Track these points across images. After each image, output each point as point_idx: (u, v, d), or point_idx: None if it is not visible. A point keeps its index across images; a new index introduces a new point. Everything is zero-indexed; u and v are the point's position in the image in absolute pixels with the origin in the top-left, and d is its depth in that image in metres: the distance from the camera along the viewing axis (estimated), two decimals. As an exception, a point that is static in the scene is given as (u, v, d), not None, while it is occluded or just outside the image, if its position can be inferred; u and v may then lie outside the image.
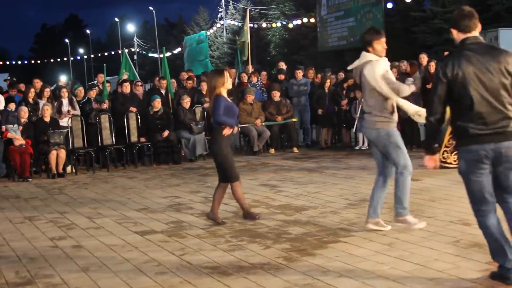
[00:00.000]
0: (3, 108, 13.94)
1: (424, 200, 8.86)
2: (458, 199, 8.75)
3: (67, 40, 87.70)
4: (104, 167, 14.58)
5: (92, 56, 75.84)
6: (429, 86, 14.65)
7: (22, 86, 16.11)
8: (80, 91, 15.67)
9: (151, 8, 70.97)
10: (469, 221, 7.35)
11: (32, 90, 14.42)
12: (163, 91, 16.06)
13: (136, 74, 19.19)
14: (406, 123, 15.01)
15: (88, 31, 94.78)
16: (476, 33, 5.21)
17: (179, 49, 49.16)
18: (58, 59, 74.47)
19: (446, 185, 10.00)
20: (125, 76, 19.21)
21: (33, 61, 76.88)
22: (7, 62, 70.60)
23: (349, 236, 7.04)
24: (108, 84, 16.47)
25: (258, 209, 8.77)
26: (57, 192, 11.64)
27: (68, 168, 14.06)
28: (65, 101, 14.59)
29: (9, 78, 17.46)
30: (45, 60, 75.19)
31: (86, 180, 13.09)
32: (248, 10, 24.88)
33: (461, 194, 8.96)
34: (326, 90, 16.32)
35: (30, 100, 14.27)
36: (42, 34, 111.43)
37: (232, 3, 63.95)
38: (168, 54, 50.46)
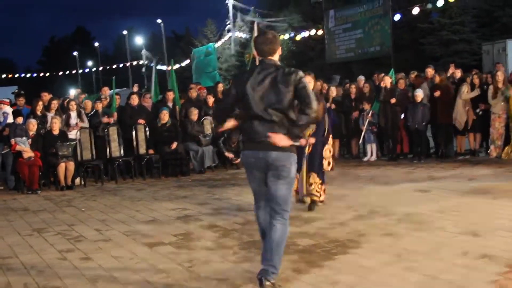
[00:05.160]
0: (12, 121, 13.97)
1: (432, 211, 8.81)
2: (468, 211, 8.74)
3: (75, 53, 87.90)
4: (112, 179, 14.59)
5: (101, 68, 76.04)
6: (436, 94, 14.71)
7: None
8: (88, 103, 15.71)
9: (159, 20, 71.19)
10: (478, 232, 7.35)
11: (40, 103, 14.47)
12: (170, 104, 16.08)
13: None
14: (414, 134, 15.05)
15: (96, 44, 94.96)
16: None
17: (187, 61, 49.18)
18: (67, 72, 74.64)
19: (455, 196, 9.96)
20: (135, 88, 19.27)
21: (41, 74, 77.03)
22: (16, 75, 70.77)
23: (357, 248, 7.01)
24: (117, 97, 16.51)
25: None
26: (66, 204, 11.65)
27: (77, 180, 14.06)
28: (73, 114, 14.65)
29: (16, 90, 17.51)
30: (54, 73, 75.36)
31: (95, 192, 13.11)
32: (256, 22, 24.84)
33: (471, 206, 9.00)
34: (330, 103, 16.16)
35: (38, 112, 14.31)
36: (50, 47, 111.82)
37: (240, 15, 64.01)
38: (176, 66, 50.60)
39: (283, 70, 5.56)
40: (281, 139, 5.43)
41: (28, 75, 74.26)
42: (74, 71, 78.69)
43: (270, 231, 5.58)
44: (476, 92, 14.70)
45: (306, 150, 9.19)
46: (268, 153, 5.48)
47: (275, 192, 5.57)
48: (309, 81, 8.88)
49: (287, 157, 5.53)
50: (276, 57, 5.67)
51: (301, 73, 5.55)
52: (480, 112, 14.79)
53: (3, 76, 62.28)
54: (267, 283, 5.40)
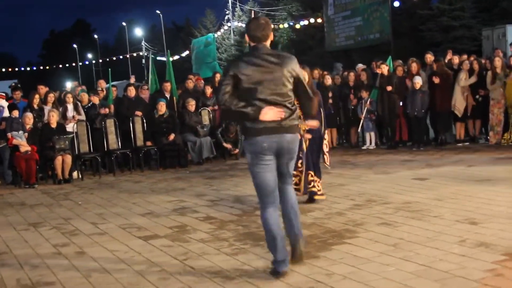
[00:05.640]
0: (7, 115, 13.90)
1: (430, 199, 8.74)
2: (466, 198, 8.65)
3: (75, 46, 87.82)
4: (110, 171, 14.54)
5: (101, 61, 75.97)
6: (437, 81, 14.61)
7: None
8: (84, 96, 15.64)
9: (158, 11, 71.03)
10: (476, 220, 7.28)
11: (37, 96, 14.41)
12: (167, 95, 16.01)
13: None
14: (413, 121, 14.97)
15: (96, 36, 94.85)
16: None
17: (187, 52, 49.08)
18: (67, 65, 74.59)
19: (453, 183, 9.88)
20: (132, 80, 19.16)
21: (41, 67, 77.01)
22: (16, 69, 70.74)
23: (354, 238, 6.94)
24: (114, 89, 16.41)
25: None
26: (63, 198, 11.60)
27: (74, 174, 14.01)
28: (70, 107, 14.58)
29: (13, 84, 17.43)
30: (54, 66, 75.31)
31: (92, 185, 13.05)
32: (253, 11, 24.76)
33: (469, 193, 8.92)
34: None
35: (35, 106, 14.25)
36: (51, 40, 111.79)
37: (239, 4, 63.89)
38: (176, 57, 50.51)
39: (284, 55, 5.69)
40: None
41: (28, 68, 74.29)
42: (74, 64, 78.57)
43: (286, 195, 5.79)
44: (474, 79, 14.59)
45: (304, 147, 9.00)
46: (284, 136, 5.56)
47: (288, 169, 5.77)
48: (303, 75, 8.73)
49: (297, 139, 5.76)
50: (268, 43, 5.69)
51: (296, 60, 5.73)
52: (480, 98, 14.69)
53: (3, 70, 62.21)
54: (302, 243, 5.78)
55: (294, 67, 5.63)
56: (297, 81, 5.69)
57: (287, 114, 5.54)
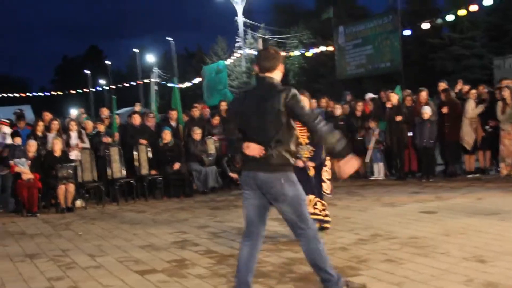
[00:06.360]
0: (10, 142, 13.77)
1: (437, 234, 8.46)
2: (474, 233, 8.37)
3: (87, 71, 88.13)
4: (114, 200, 14.33)
5: (113, 87, 76.08)
6: (445, 111, 14.39)
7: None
8: (89, 123, 15.50)
9: (168, 38, 71.22)
10: (484, 257, 6.99)
11: (41, 123, 14.30)
12: (173, 123, 15.85)
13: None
14: (422, 152, 14.72)
15: (108, 62, 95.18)
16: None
17: (198, 79, 49.08)
18: (79, 91, 74.70)
19: (462, 217, 9.61)
20: (137, 108, 19.07)
21: (54, 93, 77.17)
22: (29, 94, 70.94)
23: (356, 276, 6.67)
24: (117, 116, 16.24)
25: (265, 245, 8.36)
26: (63, 227, 11.39)
27: (78, 202, 13.82)
28: (73, 134, 14.42)
29: (18, 111, 17.31)
30: (66, 92, 75.46)
31: (95, 215, 12.85)
32: (260, 39, 24.63)
33: (478, 228, 8.63)
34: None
35: (39, 133, 14.11)
36: (63, 66, 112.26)
37: (250, 32, 63.91)
38: (188, 84, 50.49)
39: (275, 89, 5.43)
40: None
41: (41, 94, 74.50)
42: (86, 90, 78.79)
43: (303, 246, 5.69)
44: (481, 108, 14.34)
45: (311, 174, 8.83)
46: (257, 174, 5.42)
47: (283, 215, 5.54)
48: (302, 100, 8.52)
49: (276, 178, 5.38)
50: (276, 74, 5.56)
51: (293, 91, 5.42)
52: (490, 129, 14.42)
53: (17, 95, 62.41)
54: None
55: (281, 100, 5.33)
56: (291, 111, 5.38)
57: (268, 153, 5.34)
